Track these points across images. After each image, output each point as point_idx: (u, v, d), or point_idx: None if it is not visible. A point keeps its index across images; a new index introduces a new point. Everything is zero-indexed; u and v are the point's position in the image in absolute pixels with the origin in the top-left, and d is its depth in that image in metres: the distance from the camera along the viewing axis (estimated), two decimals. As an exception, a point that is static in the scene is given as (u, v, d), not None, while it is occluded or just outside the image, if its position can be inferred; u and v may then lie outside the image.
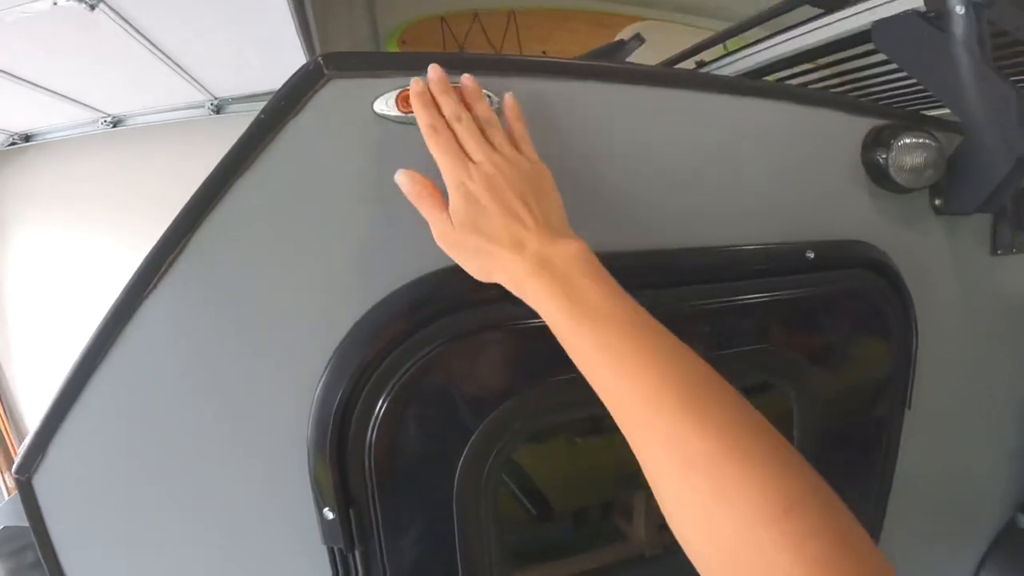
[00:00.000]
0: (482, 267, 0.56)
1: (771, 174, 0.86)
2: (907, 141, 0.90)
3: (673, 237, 0.78)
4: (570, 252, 0.52)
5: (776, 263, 0.82)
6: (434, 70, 0.58)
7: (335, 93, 0.61)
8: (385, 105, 0.63)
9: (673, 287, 0.76)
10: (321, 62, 0.60)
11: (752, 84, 0.90)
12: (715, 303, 0.78)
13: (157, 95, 3.41)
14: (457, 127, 0.57)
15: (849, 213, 0.93)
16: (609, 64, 0.79)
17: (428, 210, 0.58)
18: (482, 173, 0.55)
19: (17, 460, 0.68)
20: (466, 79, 0.60)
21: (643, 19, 3.89)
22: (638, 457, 0.45)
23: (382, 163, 0.63)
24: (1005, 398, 1.52)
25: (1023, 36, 1.35)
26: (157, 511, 0.72)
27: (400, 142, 0.63)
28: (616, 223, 0.75)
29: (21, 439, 3.96)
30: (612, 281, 0.52)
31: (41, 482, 0.68)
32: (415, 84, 0.58)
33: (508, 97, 0.61)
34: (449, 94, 0.58)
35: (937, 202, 1.03)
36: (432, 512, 0.69)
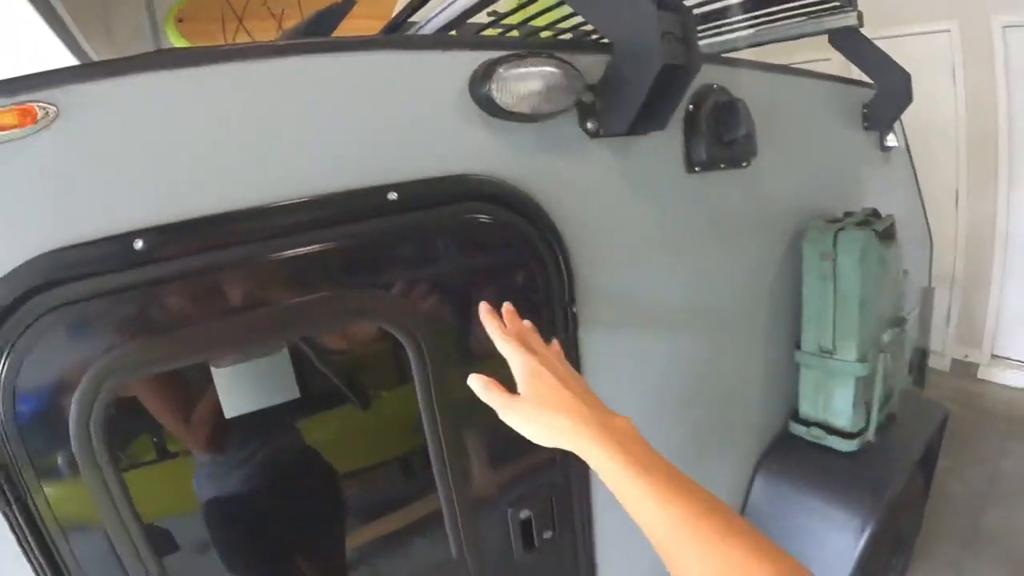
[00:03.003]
0: (549, 433, 0.74)
1: (371, 123, 0.85)
2: (517, 70, 0.87)
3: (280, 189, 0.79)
4: (624, 423, 0.72)
5: (356, 209, 0.81)
6: (505, 310, 0.85)
7: None
8: None
9: (261, 240, 0.79)
10: None
11: (336, 41, 0.85)
12: (297, 252, 0.79)
13: None
14: (522, 333, 0.81)
15: (471, 151, 0.92)
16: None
17: (498, 397, 0.77)
18: (546, 360, 0.77)
19: None
20: (507, 308, 0.85)
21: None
22: (676, 567, 0.62)
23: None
24: (751, 315, 1.61)
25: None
26: None
27: None
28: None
29: None
30: (650, 446, 0.72)
31: None
32: (484, 307, 0.83)
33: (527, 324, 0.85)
34: (512, 316, 0.84)
35: (589, 126, 1.02)
36: (57, 466, 0.76)
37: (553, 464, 1.10)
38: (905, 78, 2.09)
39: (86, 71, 0.71)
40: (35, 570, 0.78)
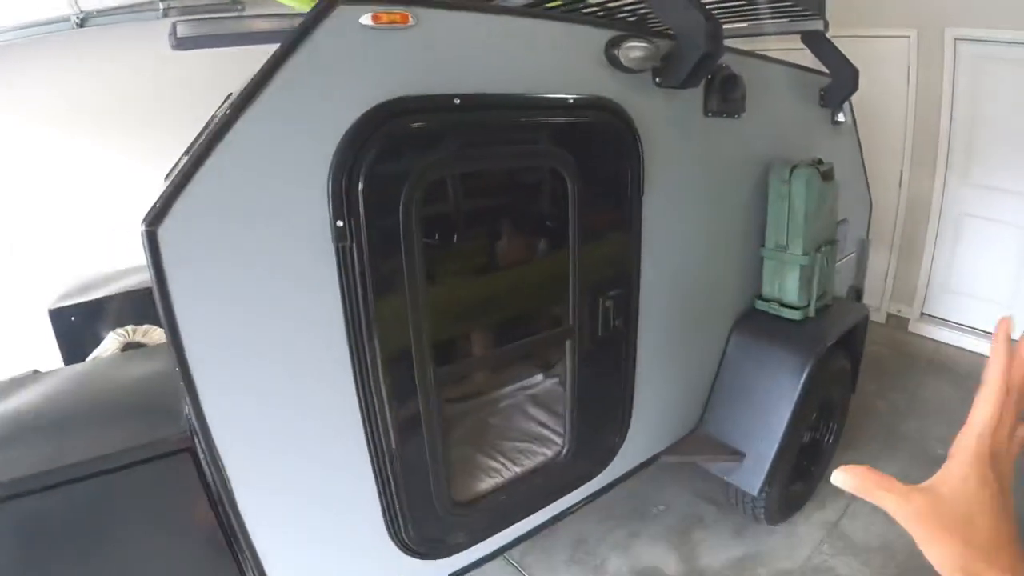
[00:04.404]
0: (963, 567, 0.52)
1: (558, 62, 1.73)
2: (630, 44, 1.76)
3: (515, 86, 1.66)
4: None
5: (557, 101, 1.73)
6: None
7: (340, 15, 1.32)
8: (366, 19, 1.39)
9: (510, 110, 1.68)
10: None
11: (543, 12, 1.74)
12: (526, 121, 1.70)
13: (18, 9, 3.83)
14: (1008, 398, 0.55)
15: (603, 84, 1.82)
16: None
17: (885, 496, 0.55)
18: (1007, 458, 0.55)
19: (148, 214, 1.22)
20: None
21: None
22: None
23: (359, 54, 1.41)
24: (733, 220, 2.56)
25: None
26: (254, 270, 1.37)
27: (371, 39, 1.38)
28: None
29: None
30: None
31: (164, 233, 1.23)
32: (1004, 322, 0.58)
33: None
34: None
35: (657, 80, 1.93)
36: (390, 225, 1.51)
37: (624, 276, 2.02)
38: (854, 72, 3.03)
39: (432, 1, 1.44)
40: (344, 288, 1.48)
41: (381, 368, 1.58)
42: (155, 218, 1.23)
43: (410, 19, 1.42)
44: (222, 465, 1.46)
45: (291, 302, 1.46)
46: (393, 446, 1.68)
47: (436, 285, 1.66)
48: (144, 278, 2.93)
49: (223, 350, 1.40)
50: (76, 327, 2.80)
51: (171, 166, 3.14)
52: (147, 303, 2.66)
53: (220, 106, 3.16)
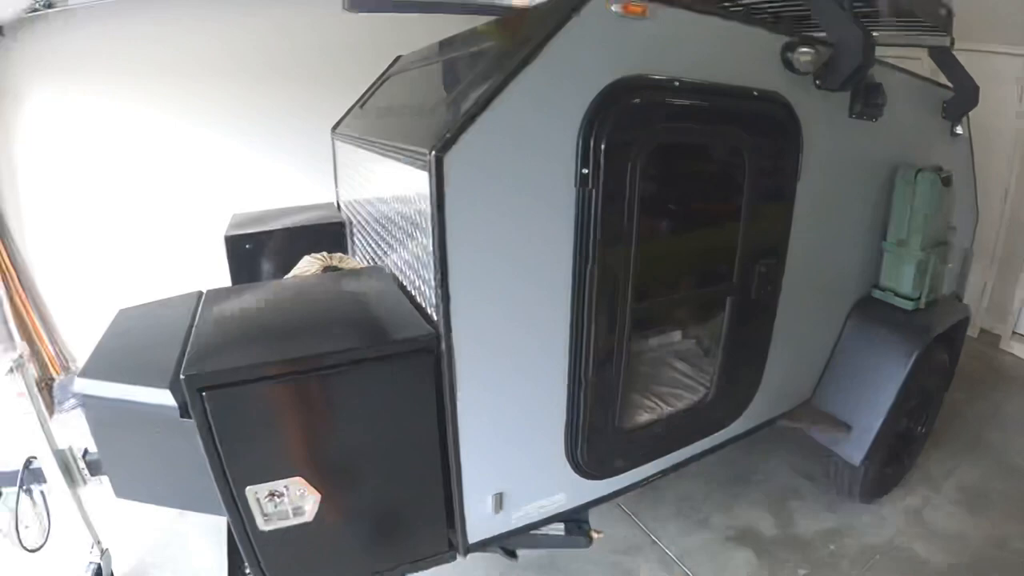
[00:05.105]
0: None
1: (744, 59, 2.11)
2: (801, 50, 2.13)
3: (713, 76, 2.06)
4: None
5: (744, 92, 2.13)
6: None
7: (600, 1, 1.73)
8: (614, 7, 1.79)
9: (712, 95, 2.09)
10: None
11: (739, 14, 2.13)
12: (722, 105, 2.11)
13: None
14: None
15: (776, 81, 2.19)
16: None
17: None
18: None
19: (436, 144, 1.59)
20: None
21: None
22: None
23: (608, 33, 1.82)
24: (862, 213, 2.90)
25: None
26: (522, 199, 1.78)
27: (616, 25, 1.79)
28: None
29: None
30: None
31: (450, 160, 1.60)
32: None
33: None
34: None
35: (817, 82, 2.29)
36: (620, 178, 1.90)
37: (776, 248, 2.41)
38: (975, 88, 3.30)
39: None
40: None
41: (595, 298, 1.97)
42: (444, 146, 1.60)
43: (648, 12, 1.82)
44: (455, 366, 1.81)
45: (535, 233, 1.85)
46: (589, 372, 2.06)
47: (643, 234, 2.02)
48: (304, 217, 3.48)
49: (475, 265, 1.76)
50: (247, 253, 3.30)
51: (339, 118, 3.65)
52: (305, 239, 3.32)
53: (389, 66, 3.67)
